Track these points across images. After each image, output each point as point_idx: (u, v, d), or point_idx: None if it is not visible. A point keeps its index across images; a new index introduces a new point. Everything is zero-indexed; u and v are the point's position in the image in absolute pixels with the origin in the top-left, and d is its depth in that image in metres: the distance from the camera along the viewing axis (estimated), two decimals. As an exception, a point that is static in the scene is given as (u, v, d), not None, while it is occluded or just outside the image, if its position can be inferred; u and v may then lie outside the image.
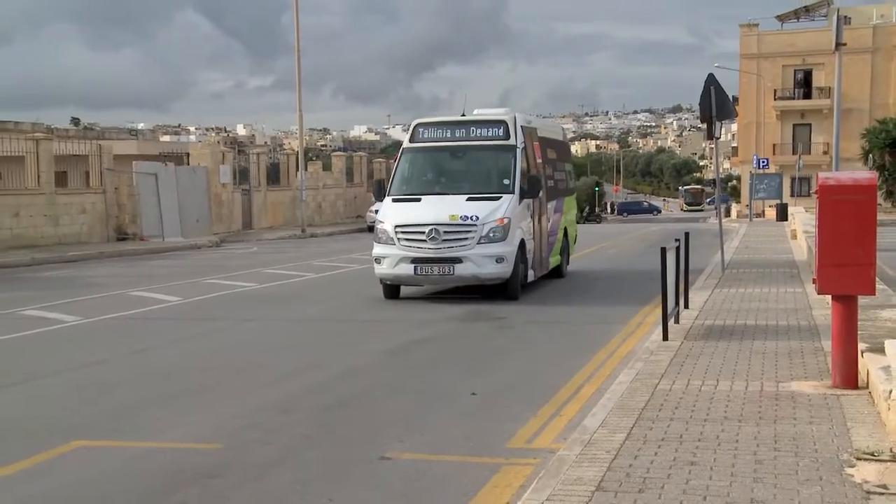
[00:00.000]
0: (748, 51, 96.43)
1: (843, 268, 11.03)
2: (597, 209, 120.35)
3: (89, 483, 8.95)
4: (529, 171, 25.08)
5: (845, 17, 53.54)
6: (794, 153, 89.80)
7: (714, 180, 36.36)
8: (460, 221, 22.19)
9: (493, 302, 22.38)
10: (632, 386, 11.69)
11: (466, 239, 21.98)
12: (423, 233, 22.09)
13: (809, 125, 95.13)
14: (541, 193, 25.65)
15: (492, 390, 12.44)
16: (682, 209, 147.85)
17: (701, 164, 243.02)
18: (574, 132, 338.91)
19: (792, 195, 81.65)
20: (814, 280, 11.74)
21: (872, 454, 8.59)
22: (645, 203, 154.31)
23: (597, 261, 35.18)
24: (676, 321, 16.39)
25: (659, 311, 15.78)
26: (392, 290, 23.30)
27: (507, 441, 10.14)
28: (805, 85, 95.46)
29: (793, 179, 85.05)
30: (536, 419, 11.08)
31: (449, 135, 25.18)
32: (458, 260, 21.95)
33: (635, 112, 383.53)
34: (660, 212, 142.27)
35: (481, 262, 21.92)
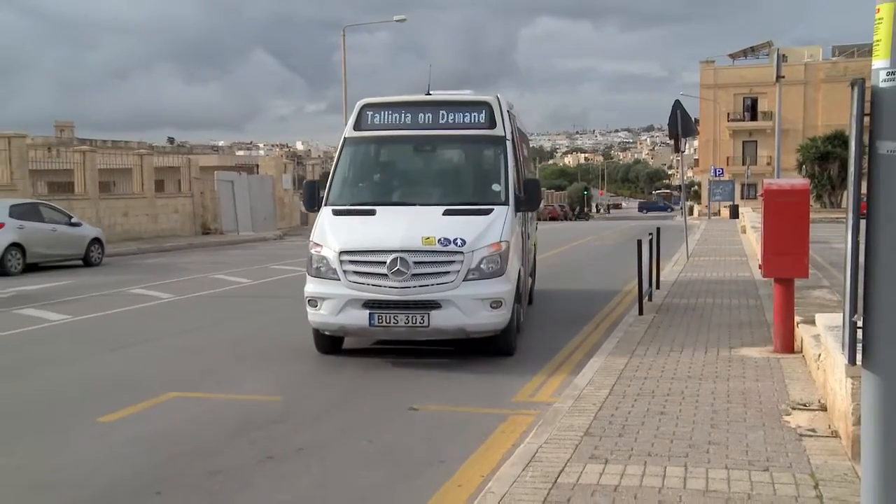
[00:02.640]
0: (707, 82, 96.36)
1: (783, 256, 11.05)
2: (585, 209, 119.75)
3: (182, 425, 9.01)
4: (521, 172, 14.89)
5: (783, 55, 53.48)
6: (743, 164, 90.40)
7: (680, 186, 36.24)
8: (439, 247, 12.28)
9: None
10: (614, 351, 11.67)
11: (448, 273, 12.20)
12: (384, 263, 12.16)
13: (756, 142, 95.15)
14: (541, 205, 17.18)
15: (499, 358, 12.45)
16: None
17: (669, 172, 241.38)
18: (567, 147, 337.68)
19: (742, 198, 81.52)
20: (760, 266, 11.72)
21: (804, 405, 8.63)
22: (661, 203, 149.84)
23: (583, 251, 35.14)
24: (650, 299, 16.32)
25: (635, 291, 15.77)
26: (329, 341, 13.12)
27: (513, 396, 10.16)
28: (752, 110, 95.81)
29: (742, 185, 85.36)
30: (537, 378, 11.08)
31: (410, 120, 14.48)
32: (435, 305, 12.14)
33: (616, 131, 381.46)
34: (672, 209, 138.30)
35: (470, 309, 12.13)
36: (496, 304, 12.16)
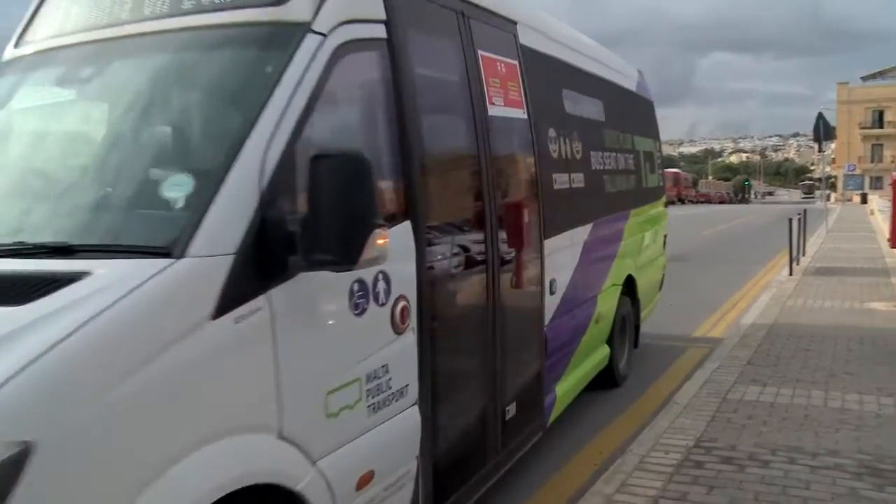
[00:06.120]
0: (842, 98, 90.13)
1: (907, 233, 10.26)
2: (745, 195, 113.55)
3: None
4: (408, 131, 3.29)
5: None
6: (871, 162, 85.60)
7: (821, 178, 33.98)
8: None
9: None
10: (769, 302, 11.10)
11: None
12: None
13: (882, 144, 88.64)
14: (362, 255, 2.58)
15: (683, 303, 11.91)
16: (801, 197, 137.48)
17: (811, 168, 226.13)
18: (732, 148, 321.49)
19: (870, 188, 76.36)
20: (888, 239, 10.89)
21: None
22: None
23: (745, 226, 33.51)
24: (797, 263, 15.37)
25: (786, 258, 14.95)
26: None
27: (693, 332, 9.83)
28: (879, 119, 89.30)
29: (871, 178, 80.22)
30: (710, 320, 10.67)
31: (128, 12, 3.16)
32: None
33: (770, 136, 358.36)
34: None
35: None
36: None
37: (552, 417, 5.23)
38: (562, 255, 5.26)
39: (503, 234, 4.23)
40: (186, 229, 2.44)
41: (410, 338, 3.32)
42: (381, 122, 3.32)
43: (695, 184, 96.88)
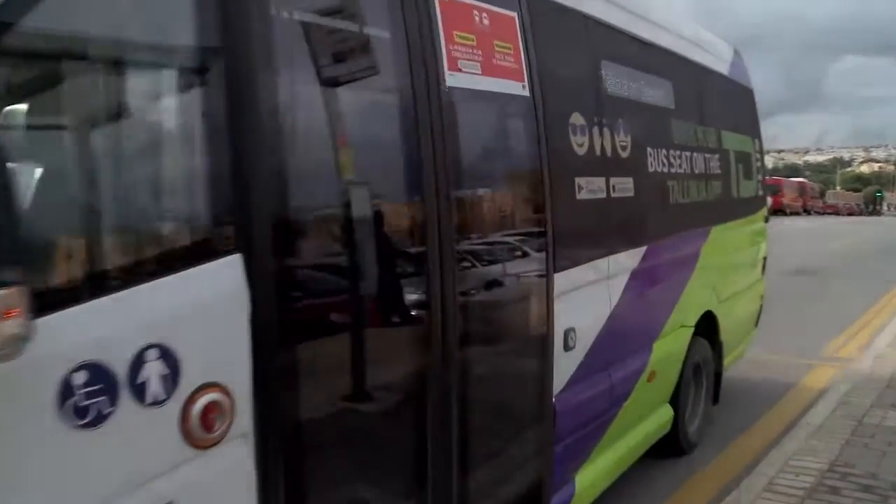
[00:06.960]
0: None
1: None
2: (877, 207, 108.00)
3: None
4: (245, 107, 2.02)
5: None
6: None
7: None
8: None
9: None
10: (907, 321, 10.47)
11: None
12: None
13: None
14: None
15: (810, 320, 11.28)
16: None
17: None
18: (862, 157, 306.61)
19: None
20: None
21: None
22: None
23: (873, 239, 31.76)
24: (937, 281, 14.49)
25: (925, 275, 14.07)
26: None
27: (821, 350, 9.30)
28: None
29: None
30: (840, 338, 10.09)
31: None
32: None
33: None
34: None
35: None
36: None
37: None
38: (587, 293, 3.72)
39: (464, 267, 2.88)
40: None
41: (235, 451, 2.01)
42: (183, 89, 2.06)
43: (822, 194, 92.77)
